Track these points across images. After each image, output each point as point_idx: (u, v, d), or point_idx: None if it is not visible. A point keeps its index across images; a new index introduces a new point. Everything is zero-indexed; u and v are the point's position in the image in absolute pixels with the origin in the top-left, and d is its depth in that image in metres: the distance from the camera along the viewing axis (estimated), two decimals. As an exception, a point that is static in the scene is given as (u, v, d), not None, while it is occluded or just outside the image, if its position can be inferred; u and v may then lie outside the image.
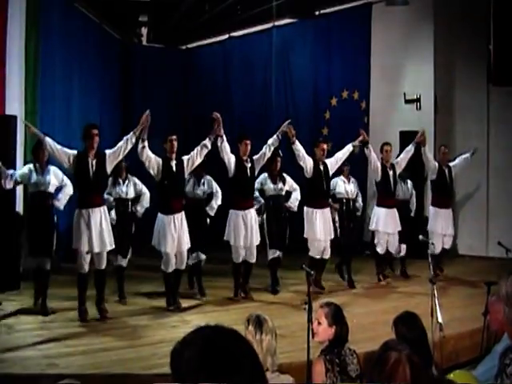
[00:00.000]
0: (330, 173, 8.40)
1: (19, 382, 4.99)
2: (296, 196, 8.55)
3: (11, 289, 7.69)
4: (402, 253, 9.31)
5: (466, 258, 10.14)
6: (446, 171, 9.33)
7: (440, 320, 5.34)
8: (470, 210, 10.93)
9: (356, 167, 9.57)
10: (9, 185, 7.17)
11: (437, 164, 9.30)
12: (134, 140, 6.96)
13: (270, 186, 8.45)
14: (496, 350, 3.37)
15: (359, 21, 11.74)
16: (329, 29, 12.13)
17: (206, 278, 8.38)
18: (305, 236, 8.32)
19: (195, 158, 7.42)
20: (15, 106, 8.81)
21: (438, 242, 9.00)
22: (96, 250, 6.76)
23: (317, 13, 12.27)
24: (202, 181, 8.28)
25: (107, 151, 6.96)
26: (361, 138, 8.57)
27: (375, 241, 9.08)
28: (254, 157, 7.95)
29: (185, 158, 7.45)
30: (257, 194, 8.33)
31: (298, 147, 8.05)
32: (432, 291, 5.54)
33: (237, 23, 12.61)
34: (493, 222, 11.13)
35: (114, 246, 6.98)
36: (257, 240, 7.94)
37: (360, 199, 9.22)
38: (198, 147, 7.45)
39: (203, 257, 8.23)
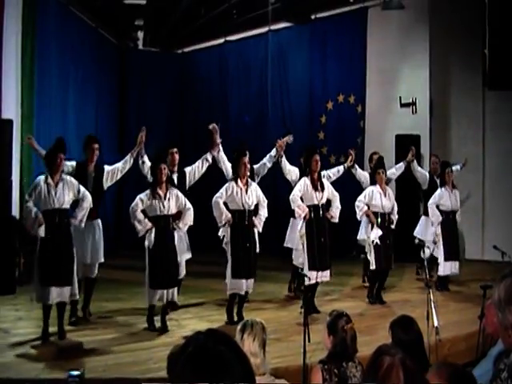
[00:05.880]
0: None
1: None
2: (337, 204, 7.58)
3: (7, 293, 7.67)
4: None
5: (462, 262, 10.13)
6: (438, 181, 9.33)
7: (436, 323, 5.35)
8: (466, 214, 10.91)
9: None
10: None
11: (428, 174, 9.37)
12: (132, 161, 7.05)
13: (311, 193, 7.39)
14: (492, 354, 3.36)
15: (355, 25, 11.77)
16: (325, 33, 12.15)
17: (203, 280, 8.34)
18: (285, 245, 8.17)
19: (196, 172, 7.45)
20: (11, 110, 8.81)
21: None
22: (88, 261, 6.84)
23: (313, 17, 12.29)
24: None
25: (106, 167, 7.01)
26: (350, 160, 8.51)
27: (366, 248, 9.01)
28: (255, 166, 7.71)
29: (187, 170, 7.46)
30: (299, 201, 7.38)
31: (284, 163, 7.86)
32: (428, 295, 5.56)
33: (233, 27, 12.63)
34: (488, 225, 11.14)
35: (103, 260, 6.99)
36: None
37: (396, 211, 8.23)
38: (200, 161, 7.46)
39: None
